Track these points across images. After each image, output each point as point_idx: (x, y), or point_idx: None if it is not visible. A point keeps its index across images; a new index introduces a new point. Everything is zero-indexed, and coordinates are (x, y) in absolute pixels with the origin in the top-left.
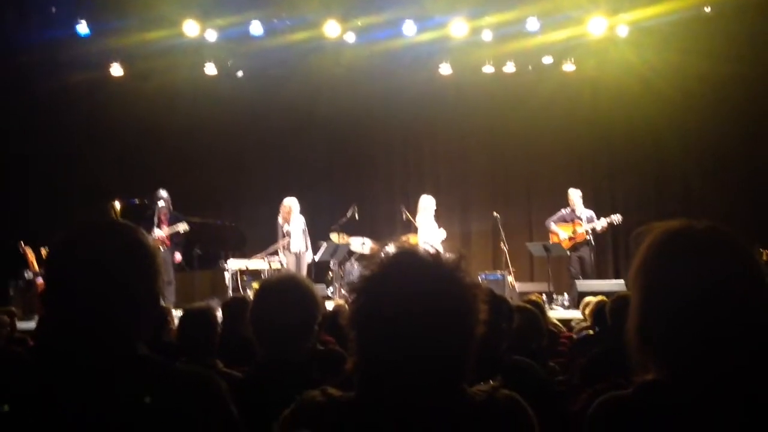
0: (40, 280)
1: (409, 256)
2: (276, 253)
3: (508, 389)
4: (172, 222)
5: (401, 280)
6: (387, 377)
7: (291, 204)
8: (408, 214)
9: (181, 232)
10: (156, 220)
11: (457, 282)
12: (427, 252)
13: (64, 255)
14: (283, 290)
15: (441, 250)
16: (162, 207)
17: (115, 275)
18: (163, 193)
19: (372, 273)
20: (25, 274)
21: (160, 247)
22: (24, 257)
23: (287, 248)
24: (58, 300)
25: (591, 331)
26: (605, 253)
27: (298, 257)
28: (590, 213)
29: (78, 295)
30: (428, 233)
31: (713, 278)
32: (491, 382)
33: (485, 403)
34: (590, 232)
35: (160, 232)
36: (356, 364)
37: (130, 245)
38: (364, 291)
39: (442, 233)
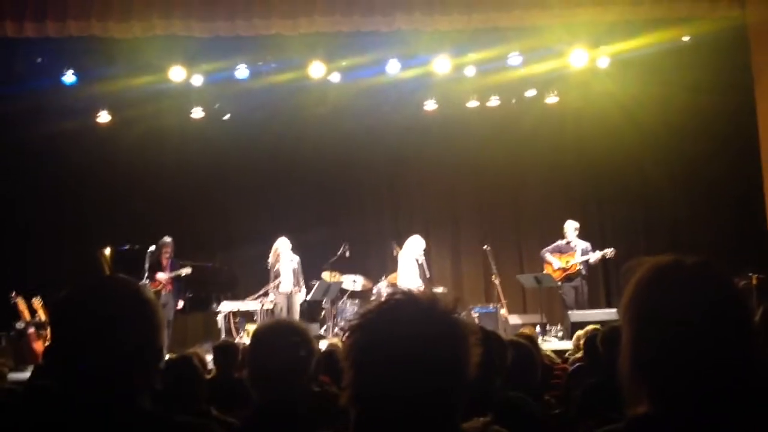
0: (31, 330)
1: (407, 297)
2: (267, 294)
3: (501, 426)
4: (173, 267)
5: (397, 320)
6: (381, 415)
7: (278, 245)
8: (399, 250)
9: (183, 275)
10: (147, 265)
11: (452, 326)
12: (425, 294)
13: (70, 311)
14: (277, 335)
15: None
16: (164, 252)
17: (119, 332)
18: (167, 239)
19: (369, 311)
20: (17, 325)
21: (162, 291)
22: (15, 307)
23: (277, 288)
24: (63, 355)
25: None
26: (597, 284)
27: (288, 297)
28: (586, 245)
29: (83, 352)
30: (406, 275)
31: (700, 312)
32: (482, 419)
33: None
34: (583, 264)
35: (163, 276)
36: (351, 400)
37: (134, 302)
38: (360, 328)
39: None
